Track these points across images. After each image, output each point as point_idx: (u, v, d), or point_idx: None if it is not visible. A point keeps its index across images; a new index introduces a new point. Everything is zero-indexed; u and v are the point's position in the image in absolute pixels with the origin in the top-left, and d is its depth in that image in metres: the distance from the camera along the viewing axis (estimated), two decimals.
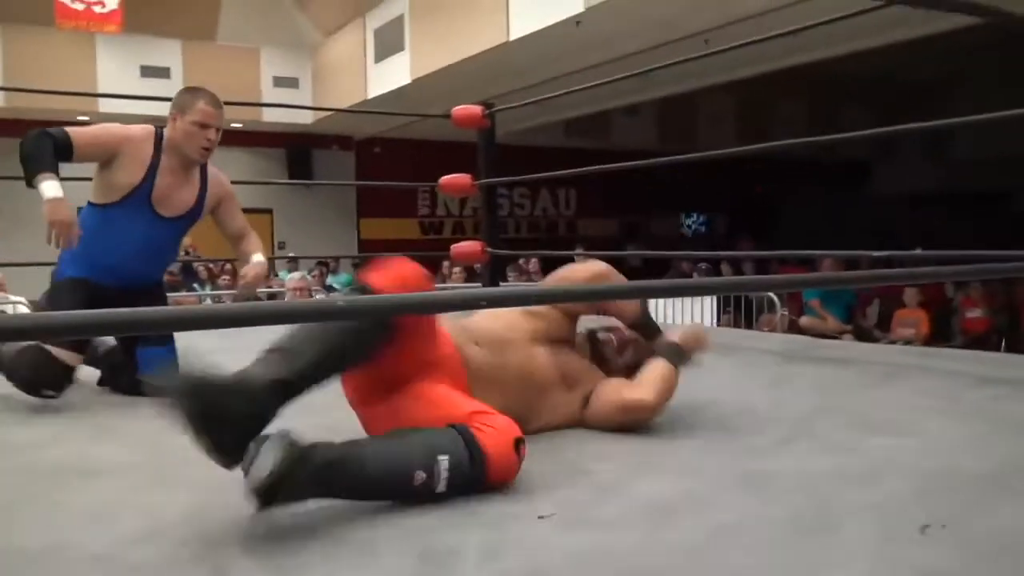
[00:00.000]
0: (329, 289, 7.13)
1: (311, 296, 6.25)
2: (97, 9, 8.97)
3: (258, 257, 2.65)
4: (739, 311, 6.33)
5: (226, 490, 1.30)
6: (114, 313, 0.92)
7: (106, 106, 10.61)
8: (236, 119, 11.89)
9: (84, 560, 1.16)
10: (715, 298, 6.53)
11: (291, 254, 11.92)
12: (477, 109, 4.59)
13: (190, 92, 2.48)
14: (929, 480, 1.46)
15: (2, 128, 10.91)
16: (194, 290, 9.15)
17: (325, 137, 13.13)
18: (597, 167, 4.30)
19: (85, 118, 11.21)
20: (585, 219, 15.64)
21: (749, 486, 1.46)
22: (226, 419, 1.18)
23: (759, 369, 2.68)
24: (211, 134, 2.43)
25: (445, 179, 4.74)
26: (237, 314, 1.03)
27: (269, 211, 13.19)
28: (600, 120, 13.09)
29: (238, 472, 1.23)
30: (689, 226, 17.38)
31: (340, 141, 13.44)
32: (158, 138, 2.47)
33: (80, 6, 8.84)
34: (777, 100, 14.09)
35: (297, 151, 13.04)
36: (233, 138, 12.38)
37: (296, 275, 6.00)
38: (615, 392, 1.87)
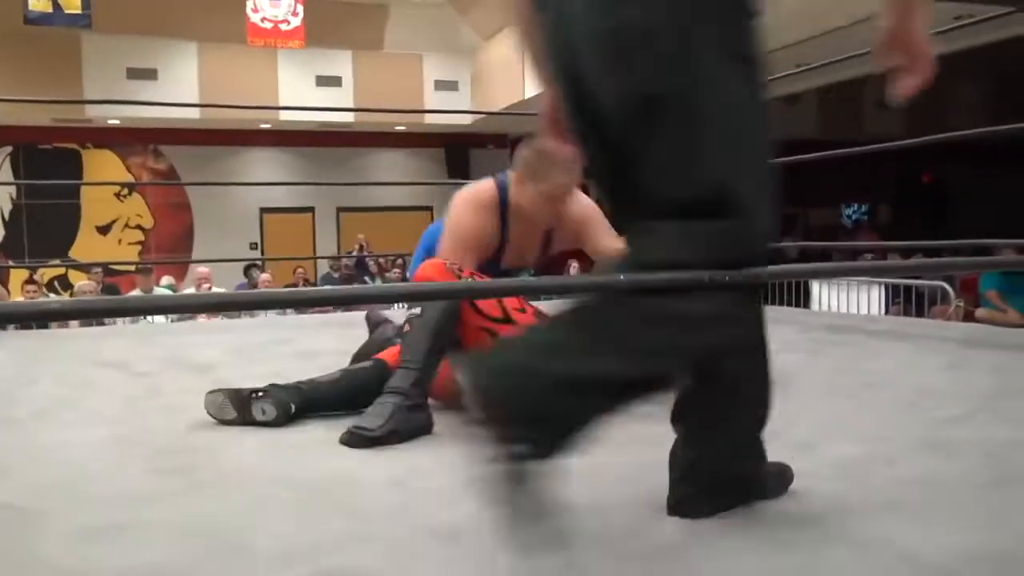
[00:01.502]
0: None
1: None
2: (283, 27, 9.80)
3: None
4: (909, 302, 6.18)
5: None
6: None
7: (286, 114, 11.54)
8: (400, 122, 12.61)
9: None
10: (883, 288, 6.41)
11: None
12: None
13: (545, 157, 2.14)
14: None
15: (198, 137, 12.11)
16: (365, 283, 9.82)
17: (482, 136, 13.65)
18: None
19: (267, 126, 12.23)
20: None
21: (933, 449, 1.60)
22: None
23: (936, 353, 2.75)
24: (562, 205, 2.21)
25: None
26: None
27: (429, 208, 13.87)
28: None
29: None
30: (849, 216, 16.76)
31: (495, 140, 13.93)
32: (502, 205, 2.23)
33: (268, 25, 9.68)
34: (952, 81, 13.35)
35: (455, 151, 13.64)
36: (396, 140, 13.20)
37: None
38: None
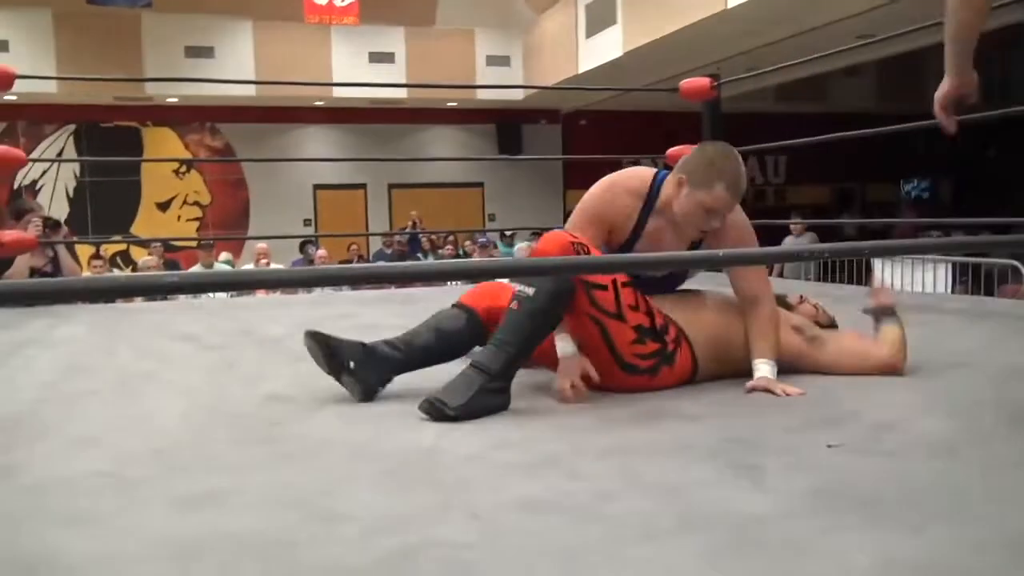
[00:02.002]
0: None
1: None
2: (338, 3, 9.84)
3: (763, 368, 1.99)
4: (976, 281, 6.01)
5: None
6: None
7: (339, 91, 11.62)
8: (451, 98, 12.61)
9: None
10: (949, 266, 6.25)
11: (499, 226, 12.51)
12: (705, 81, 4.69)
13: (713, 166, 2.03)
14: None
15: (253, 115, 12.27)
16: (417, 259, 9.88)
17: (534, 112, 13.57)
18: (816, 138, 4.31)
19: (321, 103, 12.33)
20: (795, 186, 15.13)
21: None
22: None
23: (1018, 333, 2.67)
24: (716, 220, 2.05)
25: (673, 150, 4.87)
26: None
27: (480, 184, 13.87)
28: (815, 83, 12.59)
29: None
30: (909, 192, 16.33)
31: (548, 115, 13.84)
32: (651, 196, 2.12)
33: (323, 2, 9.73)
34: (1018, 51, 12.87)
35: (507, 126, 13.58)
36: (448, 116, 13.21)
37: (524, 245, 6.39)
38: (862, 347, 2.11)
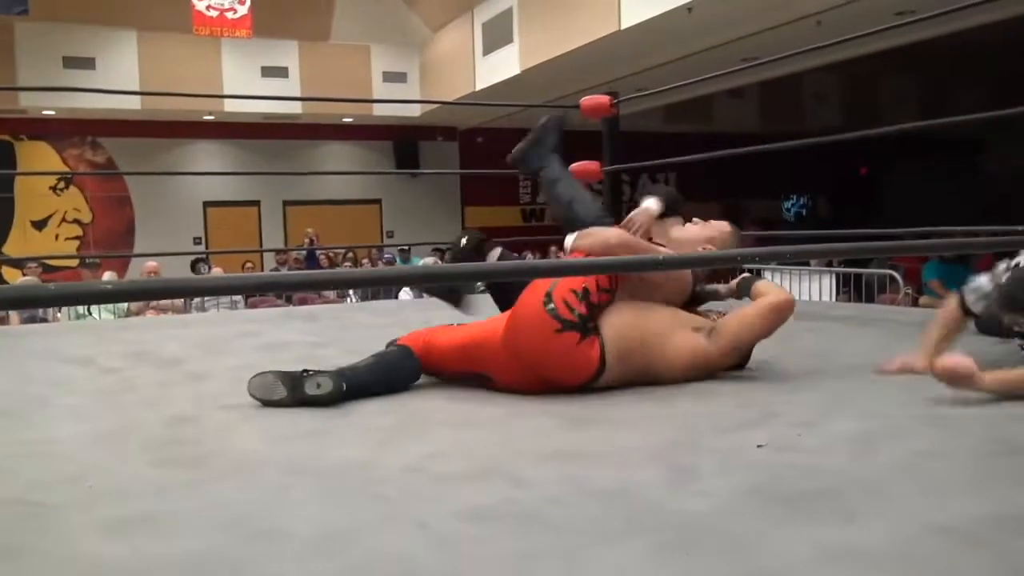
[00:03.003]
0: None
1: None
2: (230, 15, 9.57)
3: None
4: (858, 291, 6.37)
5: None
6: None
7: (230, 105, 11.30)
8: (348, 114, 12.45)
9: None
10: (833, 277, 6.59)
11: (397, 242, 12.41)
12: (605, 99, 4.79)
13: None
14: None
15: (138, 129, 11.78)
16: None
17: (431, 129, 13.56)
18: (707, 154, 4.52)
19: (211, 117, 11.95)
20: (685, 203, 15.59)
21: (934, 423, 1.66)
22: None
23: (905, 337, 2.83)
24: None
25: (575, 166, 4.95)
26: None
27: (378, 201, 13.74)
28: (702, 104, 13.09)
29: None
30: (789, 209, 17.15)
31: (445, 132, 13.85)
32: None
33: (214, 13, 9.44)
34: (886, 77, 13.77)
35: (404, 143, 13.52)
36: (344, 132, 13.04)
37: (429, 260, 6.36)
38: (750, 309, 2.20)
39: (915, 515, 1.19)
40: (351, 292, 9.01)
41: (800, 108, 14.31)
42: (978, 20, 7.86)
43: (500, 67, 10.09)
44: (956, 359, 1.81)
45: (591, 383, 2.06)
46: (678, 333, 2.13)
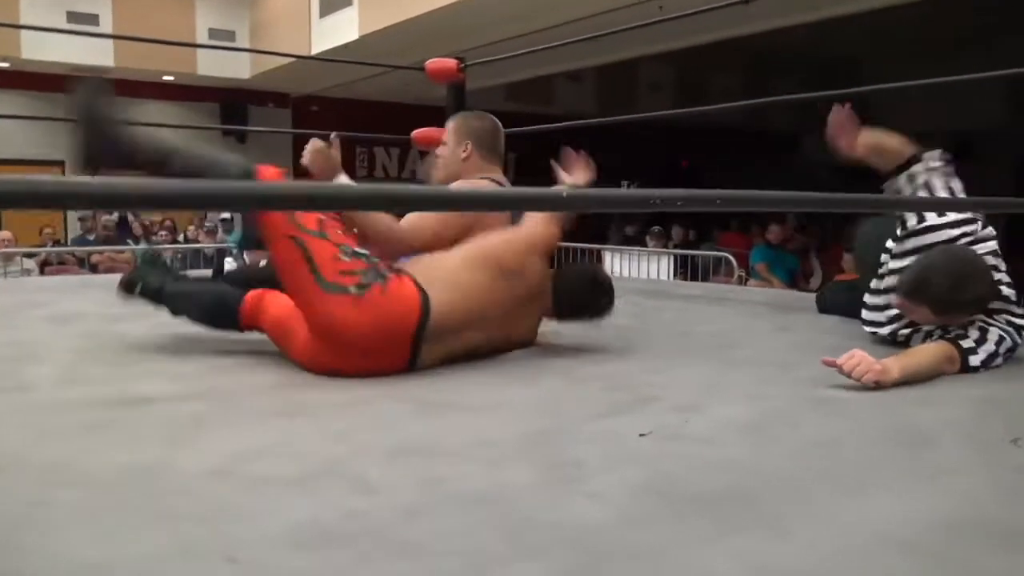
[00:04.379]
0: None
1: None
2: None
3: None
4: (695, 271, 6.49)
5: None
6: None
7: (29, 52, 10.07)
8: (168, 71, 11.45)
9: None
10: (670, 258, 6.68)
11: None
12: (452, 62, 4.53)
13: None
14: (987, 407, 1.55)
15: None
16: (127, 244, 8.83)
17: (261, 94, 12.72)
18: (543, 126, 4.39)
19: (5, 64, 10.62)
20: (524, 183, 15.57)
21: (823, 407, 1.51)
22: None
23: (755, 316, 2.77)
24: None
25: (418, 132, 4.66)
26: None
27: None
28: (543, 84, 13.07)
29: None
30: None
31: (276, 99, 13.05)
32: None
33: None
34: (715, 71, 14.30)
35: (232, 107, 12.62)
36: (165, 91, 11.99)
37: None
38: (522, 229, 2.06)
39: (845, 522, 1.00)
40: (168, 261, 8.28)
41: (635, 96, 14.62)
42: (802, 19, 8.22)
43: (338, 31, 9.54)
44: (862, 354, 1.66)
45: (425, 317, 1.77)
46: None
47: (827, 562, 0.90)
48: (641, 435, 1.33)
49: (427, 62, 4.51)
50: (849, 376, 1.60)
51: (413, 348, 1.77)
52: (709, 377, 1.80)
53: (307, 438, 1.34)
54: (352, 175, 2.42)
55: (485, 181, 2.22)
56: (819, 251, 8.99)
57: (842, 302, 2.64)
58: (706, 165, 16.22)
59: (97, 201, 1.19)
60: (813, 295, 3.63)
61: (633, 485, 1.10)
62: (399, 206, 1.95)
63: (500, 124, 2.40)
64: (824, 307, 2.80)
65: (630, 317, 2.69)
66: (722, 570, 0.87)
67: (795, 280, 7.91)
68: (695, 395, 1.62)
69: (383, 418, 1.47)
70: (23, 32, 9.66)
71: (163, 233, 9.07)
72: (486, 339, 1.91)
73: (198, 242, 8.42)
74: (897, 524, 0.99)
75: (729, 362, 1.96)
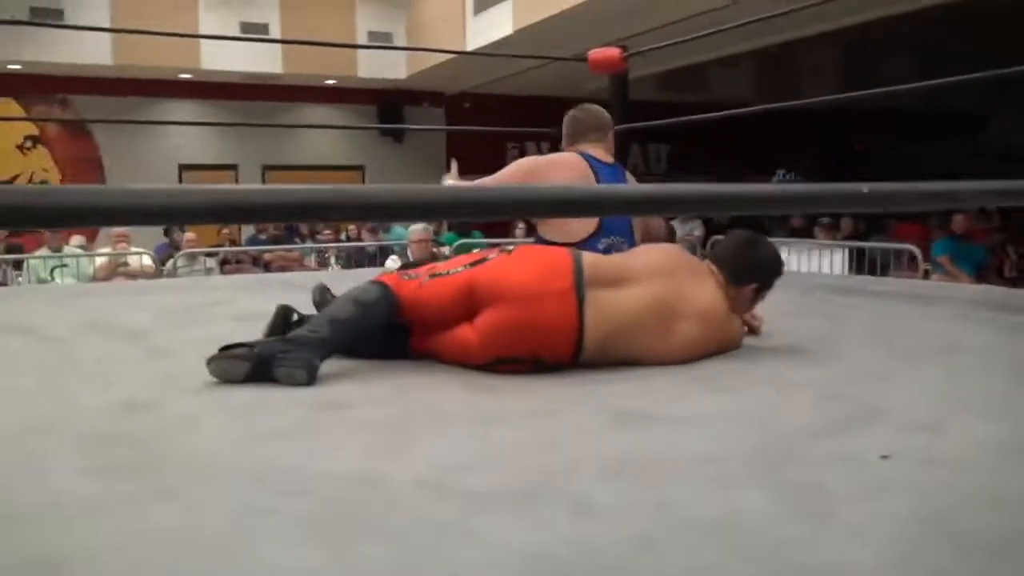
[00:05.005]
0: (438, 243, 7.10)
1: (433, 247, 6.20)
2: None
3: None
4: (873, 266, 6.05)
5: None
6: None
7: (208, 63, 10.74)
8: (331, 75, 11.92)
9: None
10: (845, 252, 6.27)
11: None
12: (615, 51, 4.39)
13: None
14: None
15: (110, 87, 11.16)
16: (295, 243, 9.25)
17: (417, 93, 13.03)
18: (695, 117, 4.22)
19: (187, 76, 11.39)
20: (677, 175, 15.24)
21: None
22: None
23: (957, 314, 2.49)
24: None
25: (595, 52, 4.42)
26: None
27: (361, 167, 13.24)
28: (697, 72, 12.67)
29: None
30: (780, 183, 16.82)
31: (431, 98, 13.33)
32: (594, 170, 2.36)
33: None
34: (883, 50, 13.40)
35: (389, 108, 13.00)
36: (327, 95, 12.49)
37: (419, 227, 5.94)
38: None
39: None
40: (333, 260, 8.60)
41: (796, 81, 13.94)
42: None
43: (492, 27, 9.61)
44: None
45: (578, 260, 1.84)
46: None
47: None
48: (883, 456, 1.18)
49: (590, 52, 4.40)
50: None
51: (577, 291, 1.77)
52: (938, 386, 1.60)
53: (514, 449, 1.27)
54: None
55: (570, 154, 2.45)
56: (1011, 242, 8.22)
57: None
58: (881, 148, 15.24)
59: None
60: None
61: (898, 519, 0.95)
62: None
63: (584, 107, 2.58)
64: None
65: (825, 317, 2.49)
66: None
67: (984, 274, 7.26)
68: (929, 407, 1.43)
69: (585, 428, 1.39)
70: (203, 44, 10.31)
71: (328, 233, 9.43)
72: (653, 305, 1.82)
73: (360, 240, 8.71)
74: None
75: (957, 369, 1.74)
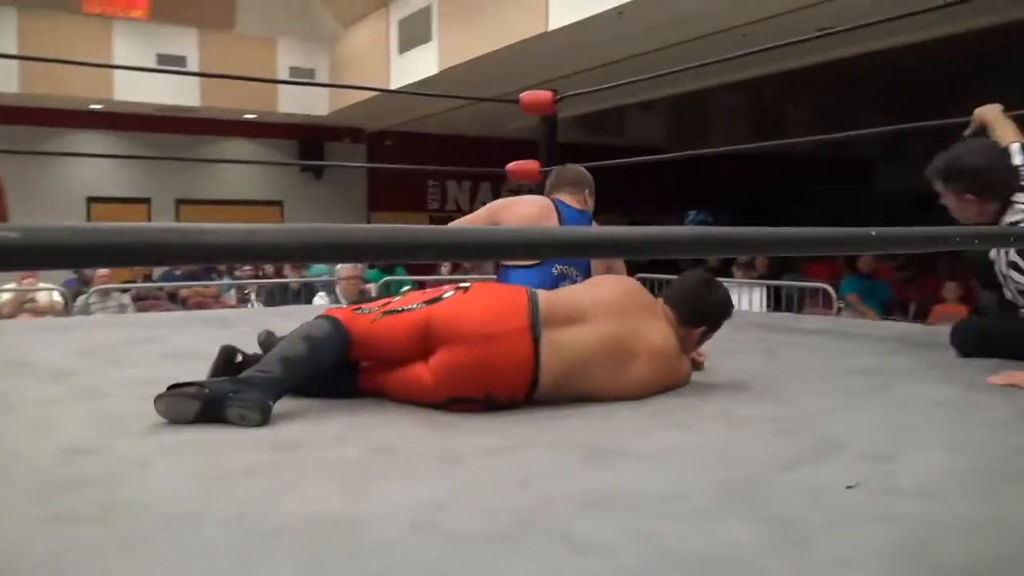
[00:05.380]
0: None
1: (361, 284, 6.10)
2: None
3: None
4: (790, 303, 6.28)
5: None
6: None
7: (122, 93, 10.44)
8: (250, 110, 11.75)
9: None
10: (763, 290, 6.49)
11: None
12: (547, 95, 4.50)
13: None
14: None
15: (16, 116, 10.71)
16: (212, 279, 8.99)
17: (337, 130, 12.97)
18: (610, 162, 4.41)
19: (98, 106, 11.04)
20: (596, 215, 15.50)
21: None
22: None
23: (903, 353, 2.61)
24: None
25: (512, 165, 4.63)
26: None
27: (279, 203, 13.04)
28: (614, 116, 13.02)
29: None
30: (692, 223, 17.30)
31: (352, 134, 13.28)
32: (559, 212, 2.71)
33: None
34: (791, 99, 14.07)
35: (309, 143, 12.89)
36: (245, 129, 12.30)
37: (348, 264, 5.86)
38: None
39: None
40: (253, 296, 8.36)
41: (707, 125, 14.46)
42: (883, 44, 7.97)
43: (417, 66, 9.67)
44: None
45: (533, 298, 1.87)
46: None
47: None
48: (849, 487, 1.22)
49: (522, 95, 4.48)
50: None
51: (533, 331, 1.78)
52: (885, 418, 1.67)
53: (486, 487, 1.26)
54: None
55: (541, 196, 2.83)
56: (912, 281, 8.67)
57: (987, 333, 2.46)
58: (784, 190, 15.90)
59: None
60: (937, 327, 3.46)
61: (879, 549, 0.99)
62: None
63: (568, 166, 3.08)
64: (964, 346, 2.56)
65: (762, 353, 2.57)
66: None
67: (889, 311, 7.61)
68: (882, 440, 1.49)
69: (554, 464, 1.39)
70: (116, 75, 10.02)
71: (247, 268, 9.22)
72: (607, 343, 1.84)
73: (283, 276, 8.44)
74: None
75: (896, 401, 1.82)
